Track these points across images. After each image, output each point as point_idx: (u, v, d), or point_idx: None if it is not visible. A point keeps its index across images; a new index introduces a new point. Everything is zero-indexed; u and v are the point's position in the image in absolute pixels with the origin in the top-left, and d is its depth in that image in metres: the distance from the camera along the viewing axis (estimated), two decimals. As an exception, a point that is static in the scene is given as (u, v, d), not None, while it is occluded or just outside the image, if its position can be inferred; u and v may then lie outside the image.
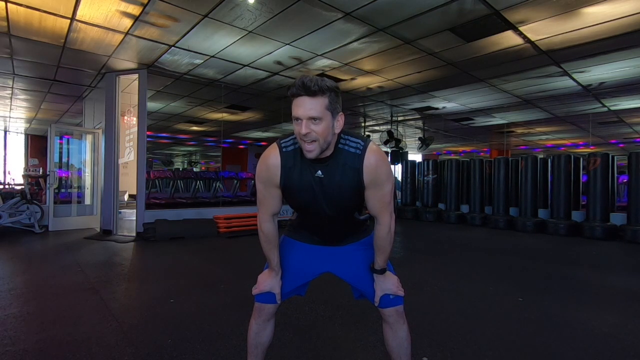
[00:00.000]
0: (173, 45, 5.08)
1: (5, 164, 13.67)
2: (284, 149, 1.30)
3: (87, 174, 7.46)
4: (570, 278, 3.80)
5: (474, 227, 8.16)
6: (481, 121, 10.20)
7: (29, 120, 10.79)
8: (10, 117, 10.32)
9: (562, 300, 3.06)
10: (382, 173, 1.27)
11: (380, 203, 1.32)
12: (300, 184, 1.30)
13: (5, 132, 13.18)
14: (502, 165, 8.22)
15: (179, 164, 22.36)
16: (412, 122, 10.70)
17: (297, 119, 1.19)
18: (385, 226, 1.35)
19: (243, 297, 2.97)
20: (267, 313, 1.49)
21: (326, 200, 1.32)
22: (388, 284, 1.42)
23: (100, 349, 2.09)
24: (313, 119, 1.17)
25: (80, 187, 7.52)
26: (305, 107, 1.17)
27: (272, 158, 1.31)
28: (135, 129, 6.47)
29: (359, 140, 1.28)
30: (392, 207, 1.36)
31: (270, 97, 7.82)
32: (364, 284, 1.48)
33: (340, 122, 1.25)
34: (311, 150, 1.20)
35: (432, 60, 5.55)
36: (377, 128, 11.37)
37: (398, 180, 10.57)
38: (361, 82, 6.72)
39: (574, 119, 9.55)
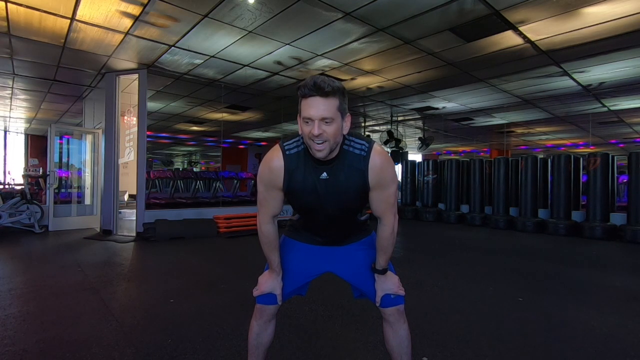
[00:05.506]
0: (173, 45, 5.08)
1: (5, 164, 13.66)
2: (287, 152, 1.29)
3: (87, 174, 7.46)
4: (570, 278, 3.80)
5: (474, 227, 8.15)
6: (481, 121, 10.20)
7: (29, 120, 10.79)
8: (10, 117, 10.32)
9: (562, 300, 3.06)
10: (388, 174, 1.27)
11: (384, 204, 1.32)
12: (304, 187, 1.29)
13: (5, 132, 13.17)
14: (502, 165, 8.21)
15: (179, 164, 22.36)
16: (412, 122, 10.70)
17: (309, 119, 1.17)
18: (389, 227, 1.35)
19: (243, 297, 2.97)
20: (268, 314, 1.49)
21: (330, 202, 1.31)
22: (389, 283, 1.43)
23: (100, 349, 2.09)
24: (325, 119, 1.16)
25: (80, 187, 7.52)
26: (318, 107, 1.15)
27: (275, 161, 1.29)
28: (135, 129, 6.47)
29: (364, 142, 1.27)
30: (396, 208, 1.36)
31: (270, 97, 7.82)
32: (365, 284, 1.48)
33: (348, 123, 1.24)
34: (321, 149, 1.19)
35: (432, 60, 5.55)
36: (377, 128, 11.38)
37: (398, 181, 10.55)
38: (361, 82, 6.72)
39: (574, 119, 9.55)
